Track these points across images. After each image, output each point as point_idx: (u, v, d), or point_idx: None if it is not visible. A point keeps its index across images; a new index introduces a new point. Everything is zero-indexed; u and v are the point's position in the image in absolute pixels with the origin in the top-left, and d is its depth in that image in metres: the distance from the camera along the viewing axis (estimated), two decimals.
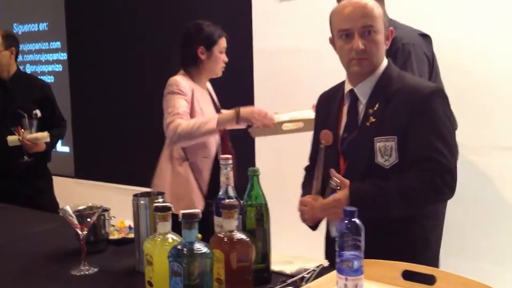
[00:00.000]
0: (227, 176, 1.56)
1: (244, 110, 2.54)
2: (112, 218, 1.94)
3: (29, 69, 5.58)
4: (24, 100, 3.29)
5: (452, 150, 1.70)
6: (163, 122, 2.57)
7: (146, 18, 4.51)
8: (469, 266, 2.77)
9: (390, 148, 1.68)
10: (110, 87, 4.86)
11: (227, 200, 1.48)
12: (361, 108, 1.78)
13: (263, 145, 3.79)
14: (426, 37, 2.47)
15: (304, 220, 1.84)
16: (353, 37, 1.71)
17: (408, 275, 1.42)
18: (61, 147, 5.37)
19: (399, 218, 1.70)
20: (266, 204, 1.55)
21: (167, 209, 1.42)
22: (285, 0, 3.69)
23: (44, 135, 3.23)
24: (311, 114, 2.42)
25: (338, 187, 1.72)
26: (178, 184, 2.62)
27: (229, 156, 1.58)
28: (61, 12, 5.16)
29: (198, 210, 1.34)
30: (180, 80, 2.61)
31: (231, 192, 1.56)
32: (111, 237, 1.95)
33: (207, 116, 2.61)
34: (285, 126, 2.56)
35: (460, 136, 2.57)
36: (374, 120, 1.72)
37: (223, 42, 2.69)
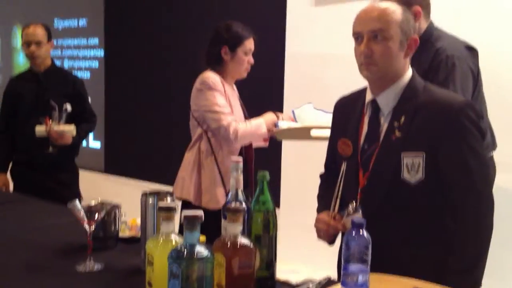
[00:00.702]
0: (237, 179, 1.52)
1: (281, 114, 2.70)
2: (123, 215, 1.93)
3: (66, 64, 5.69)
4: (56, 94, 3.33)
5: (485, 165, 1.67)
6: (209, 122, 2.58)
7: (181, 17, 4.54)
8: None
9: (418, 164, 1.61)
10: (144, 85, 4.91)
11: (232, 204, 1.44)
12: (383, 120, 1.71)
13: (289, 148, 3.76)
14: (472, 50, 2.35)
15: (319, 237, 1.79)
16: (362, 41, 1.65)
17: None
18: (93, 142, 5.45)
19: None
20: (274, 210, 1.51)
21: (171, 209, 1.39)
22: (320, 4, 3.64)
23: (71, 128, 3.26)
24: None
25: (347, 215, 1.67)
26: (203, 177, 2.62)
27: (240, 158, 1.54)
28: (100, 9, 5.25)
29: (200, 212, 1.31)
30: (214, 76, 2.61)
31: (240, 195, 1.52)
32: (121, 234, 1.94)
33: (237, 115, 2.66)
34: (313, 132, 2.51)
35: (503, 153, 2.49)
36: (399, 134, 1.65)
37: (249, 44, 2.65)
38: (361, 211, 1.66)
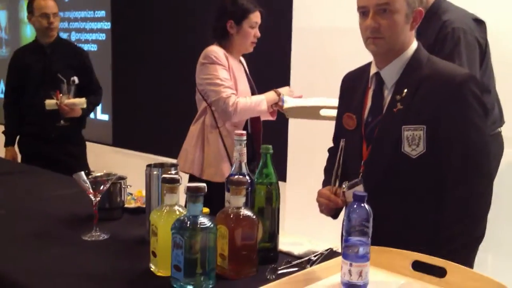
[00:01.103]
0: (241, 152, 1.54)
1: (283, 89, 2.69)
2: (129, 186, 1.95)
3: (74, 37, 5.68)
4: (62, 66, 3.34)
5: (485, 140, 1.64)
6: (209, 94, 2.59)
7: None
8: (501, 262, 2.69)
9: (418, 137, 1.61)
10: (151, 58, 4.90)
11: (235, 177, 1.46)
12: (387, 93, 1.71)
13: (296, 122, 3.75)
14: (480, 23, 2.34)
15: (321, 211, 1.80)
16: (368, 15, 1.64)
17: (418, 266, 1.38)
18: (101, 115, 5.47)
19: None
20: (277, 183, 1.52)
21: (175, 181, 1.41)
22: None
23: (82, 101, 3.27)
24: None
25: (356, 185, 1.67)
26: (208, 150, 2.64)
27: (244, 132, 1.55)
28: None
29: (203, 184, 1.33)
30: (217, 50, 2.61)
31: (244, 168, 1.54)
32: (127, 205, 1.96)
33: (243, 89, 2.66)
34: (323, 112, 2.50)
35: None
36: (401, 107, 1.65)
37: (255, 17, 2.64)
38: (362, 184, 1.67)
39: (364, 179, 1.68)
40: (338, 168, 1.74)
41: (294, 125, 3.79)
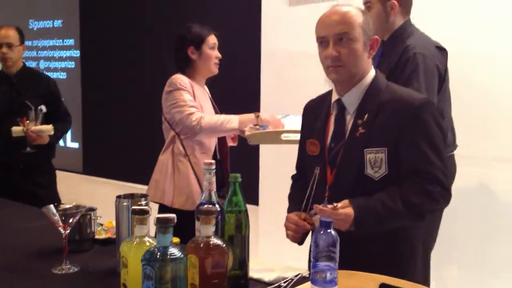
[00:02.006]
0: (210, 181, 1.55)
1: (264, 113, 2.67)
2: (99, 217, 1.95)
3: (42, 65, 5.65)
4: (30, 95, 3.33)
5: (444, 160, 1.70)
6: (174, 116, 2.62)
7: (156, 18, 4.54)
8: (469, 276, 2.75)
9: (380, 160, 1.67)
10: (120, 86, 4.90)
11: (205, 206, 1.47)
12: (349, 118, 1.76)
13: (267, 147, 3.79)
14: (442, 50, 2.43)
15: (287, 236, 1.81)
16: (328, 45, 1.70)
17: None
18: (71, 143, 5.43)
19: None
20: (246, 211, 1.54)
21: (145, 212, 1.42)
22: (294, 4, 3.68)
23: (49, 128, 3.25)
24: None
25: (315, 214, 1.69)
26: (178, 179, 2.66)
27: (213, 161, 1.57)
28: (75, 10, 5.22)
29: (173, 215, 1.34)
30: (181, 77, 2.67)
31: (214, 197, 1.55)
32: (97, 236, 1.96)
33: (208, 113, 2.69)
34: (284, 136, 2.54)
35: (464, 147, 2.57)
36: (363, 131, 1.70)
37: (211, 39, 2.73)
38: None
39: (329, 203, 1.71)
40: (310, 193, 1.78)
41: (266, 149, 3.83)
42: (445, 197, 1.68)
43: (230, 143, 2.85)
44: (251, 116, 2.64)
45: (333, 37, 1.69)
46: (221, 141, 2.80)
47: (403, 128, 1.66)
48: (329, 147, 1.78)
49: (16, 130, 3.18)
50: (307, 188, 1.79)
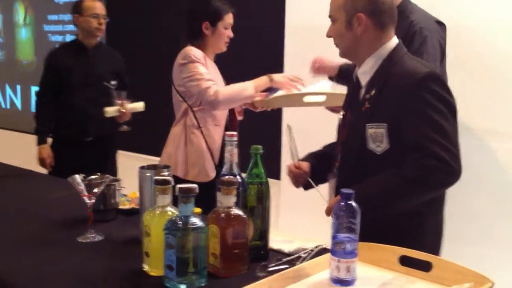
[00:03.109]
0: (231, 152, 1.57)
1: (277, 75, 2.63)
2: (123, 188, 1.98)
3: (68, 38, 5.66)
4: (104, 70, 3.38)
5: (447, 135, 1.63)
6: (191, 89, 2.61)
7: None
8: (474, 252, 2.73)
9: (381, 134, 1.68)
10: (134, 57, 4.88)
11: (226, 177, 1.49)
12: (362, 92, 1.80)
13: (289, 122, 3.78)
14: (441, 25, 2.46)
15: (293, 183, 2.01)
16: None
17: (405, 261, 1.41)
18: None
19: None
20: (267, 182, 1.55)
21: (167, 182, 1.44)
22: None
23: (141, 105, 3.28)
24: (333, 88, 2.48)
25: None
26: (191, 151, 2.68)
27: (234, 133, 1.58)
28: None
29: (195, 185, 1.36)
30: (194, 49, 2.66)
31: (235, 168, 1.57)
32: (121, 206, 1.99)
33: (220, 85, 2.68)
34: (307, 98, 2.53)
35: (469, 121, 2.54)
36: (368, 105, 1.73)
37: (229, 18, 2.71)
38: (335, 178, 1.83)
39: (338, 171, 1.82)
40: (294, 143, 1.96)
41: (288, 123, 3.82)
42: (444, 170, 1.60)
43: (238, 117, 2.85)
44: (264, 79, 2.62)
45: (330, 19, 1.82)
46: (231, 113, 2.81)
47: (403, 102, 1.65)
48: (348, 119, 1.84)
49: (111, 110, 3.18)
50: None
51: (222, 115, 2.73)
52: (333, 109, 2.51)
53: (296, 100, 2.55)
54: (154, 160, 3.23)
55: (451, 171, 1.61)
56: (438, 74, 1.72)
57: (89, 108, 3.32)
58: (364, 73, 1.79)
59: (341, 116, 1.90)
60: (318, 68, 2.65)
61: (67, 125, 3.39)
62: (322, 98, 2.46)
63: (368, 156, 1.71)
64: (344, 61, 2.24)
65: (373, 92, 1.73)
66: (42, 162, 3.39)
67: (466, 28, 2.84)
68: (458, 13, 2.84)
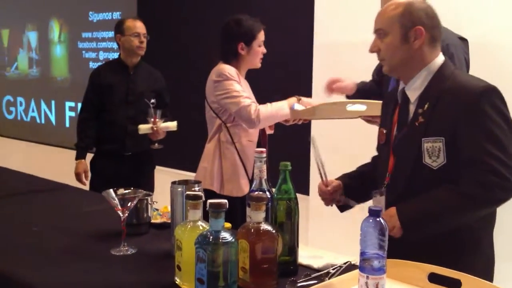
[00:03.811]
0: (261, 169, 1.60)
1: (305, 99, 2.73)
2: (155, 202, 2.03)
3: (102, 56, 5.83)
4: (145, 88, 3.48)
5: (506, 150, 1.62)
6: (228, 107, 2.66)
7: (209, 13, 4.60)
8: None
9: (438, 149, 1.66)
10: (172, 76, 4.98)
11: (255, 193, 1.52)
12: (412, 108, 1.78)
13: (318, 137, 3.79)
14: (464, 41, 2.47)
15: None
16: None
17: (434, 278, 1.41)
18: None
19: None
20: (296, 198, 1.58)
21: (198, 197, 1.48)
22: None
23: (174, 125, 3.33)
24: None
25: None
26: (226, 167, 2.72)
27: (264, 149, 1.61)
28: (133, 3, 5.35)
29: (225, 201, 1.39)
30: (228, 67, 2.71)
31: (264, 184, 1.60)
32: (153, 220, 2.03)
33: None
34: (350, 107, 2.51)
35: None
36: (422, 120, 1.71)
37: (261, 36, 2.77)
38: (384, 196, 1.77)
39: (387, 189, 1.78)
40: (321, 163, 1.94)
41: (317, 138, 3.83)
42: (502, 186, 1.60)
43: (268, 131, 2.89)
44: (294, 100, 2.71)
45: (375, 33, 1.77)
46: (263, 131, 2.85)
47: (461, 116, 1.64)
48: (394, 136, 1.82)
49: (144, 127, 3.25)
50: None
51: (255, 131, 2.78)
52: (369, 120, 2.52)
53: (339, 109, 2.53)
54: (190, 175, 3.28)
55: (509, 187, 1.61)
56: (497, 88, 1.69)
57: (129, 125, 3.41)
58: (414, 88, 1.77)
59: (384, 131, 1.88)
60: (335, 88, 2.66)
61: (108, 140, 3.48)
62: (363, 108, 2.46)
63: (423, 172, 1.69)
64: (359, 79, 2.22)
65: (426, 106, 1.71)
66: (78, 176, 3.48)
67: (487, 45, 2.84)
68: (479, 31, 2.84)
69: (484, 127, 1.62)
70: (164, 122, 3.29)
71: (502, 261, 2.61)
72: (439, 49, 1.78)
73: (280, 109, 2.66)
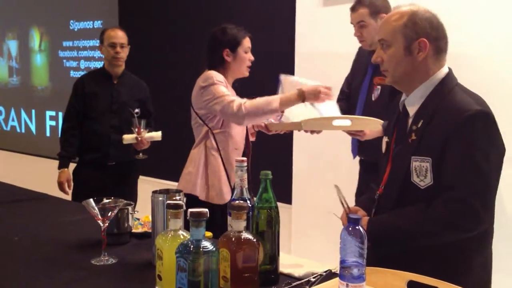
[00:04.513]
0: (242, 178, 1.61)
1: (308, 88, 2.50)
2: (136, 212, 2.02)
3: (83, 64, 5.80)
4: (128, 98, 3.46)
5: (484, 178, 1.59)
6: (214, 108, 2.63)
7: (191, 21, 4.61)
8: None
9: (425, 169, 1.62)
10: (154, 84, 4.97)
11: (236, 202, 1.52)
12: (410, 122, 1.74)
13: (300, 147, 3.82)
14: None
15: None
16: None
17: (413, 286, 1.43)
18: None
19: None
20: (276, 207, 1.58)
21: (179, 206, 1.48)
22: (329, 5, 3.70)
23: (158, 135, 3.32)
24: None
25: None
26: (210, 173, 2.72)
27: (245, 158, 1.62)
28: (115, 12, 5.35)
29: (206, 210, 1.39)
30: (215, 73, 2.71)
31: (245, 193, 1.61)
32: (134, 230, 2.03)
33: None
34: (336, 122, 2.46)
35: None
36: (415, 138, 1.67)
37: (247, 42, 2.78)
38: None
39: (379, 199, 1.78)
40: (344, 201, 1.83)
41: (299, 148, 3.86)
42: (469, 217, 1.58)
43: (251, 138, 2.88)
44: (294, 96, 2.51)
45: (379, 43, 1.73)
46: (247, 136, 2.84)
47: (447, 138, 1.59)
48: (393, 149, 1.80)
49: (128, 137, 3.23)
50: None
51: (241, 139, 2.77)
52: (352, 133, 2.53)
53: (325, 124, 2.47)
54: (173, 185, 3.27)
55: (476, 219, 1.58)
56: (489, 112, 1.62)
57: (112, 134, 3.39)
58: (413, 103, 1.73)
59: (386, 140, 1.86)
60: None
61: (91, 150, 3.45)
62: (348, 123, 2.45)
63: (411, 190, 1.66)
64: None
65: (420, 123, 1.67)
66: (61, 186, 3.45)
67: (465, 56, 2.85)
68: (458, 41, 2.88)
69: (467, 153, 1.58)
70: (148, 132, 3.28)
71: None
72: (444, 60, 1.73)
73: (268, 103, 2.51)
